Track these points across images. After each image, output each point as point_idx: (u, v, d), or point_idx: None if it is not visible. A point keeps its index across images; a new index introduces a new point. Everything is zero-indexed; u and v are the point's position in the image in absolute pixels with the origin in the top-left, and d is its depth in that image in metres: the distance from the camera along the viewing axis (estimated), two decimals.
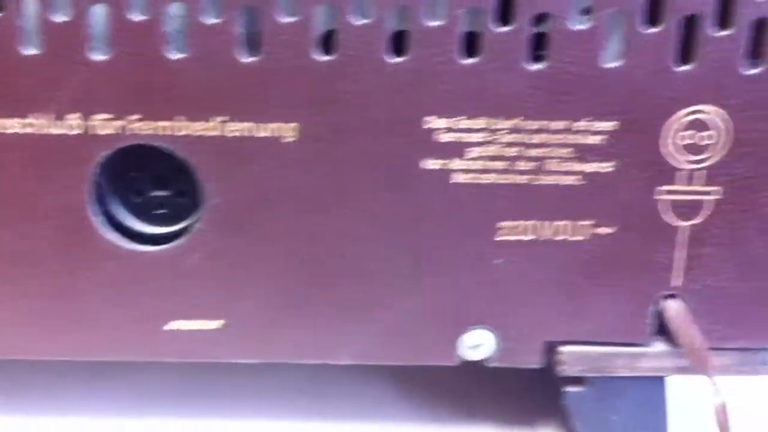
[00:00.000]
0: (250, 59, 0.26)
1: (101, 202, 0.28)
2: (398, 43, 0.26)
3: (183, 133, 0.27)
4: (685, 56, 0.26)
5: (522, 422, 0.34)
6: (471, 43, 0.26)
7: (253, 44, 0.26)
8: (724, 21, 0.26)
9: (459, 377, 0.34)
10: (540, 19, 0.26)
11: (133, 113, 0.27)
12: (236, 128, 0.27)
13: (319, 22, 0.26)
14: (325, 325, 0.29)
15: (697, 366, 0.28)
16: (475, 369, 0.30)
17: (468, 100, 0.27)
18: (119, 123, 0.27)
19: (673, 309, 0.28)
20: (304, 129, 0.27)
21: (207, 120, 0.27)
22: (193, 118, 0.27)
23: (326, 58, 0.26)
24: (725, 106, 0.26)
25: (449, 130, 0.27)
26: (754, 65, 0.26)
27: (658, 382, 0.31)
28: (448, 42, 0.26)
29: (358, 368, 0.31)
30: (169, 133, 0.27)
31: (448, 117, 0.27)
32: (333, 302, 0.29)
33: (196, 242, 0.28)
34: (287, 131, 0.27)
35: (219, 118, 0.27)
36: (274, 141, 0.27)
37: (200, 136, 0.27)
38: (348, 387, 0.36)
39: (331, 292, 0.29)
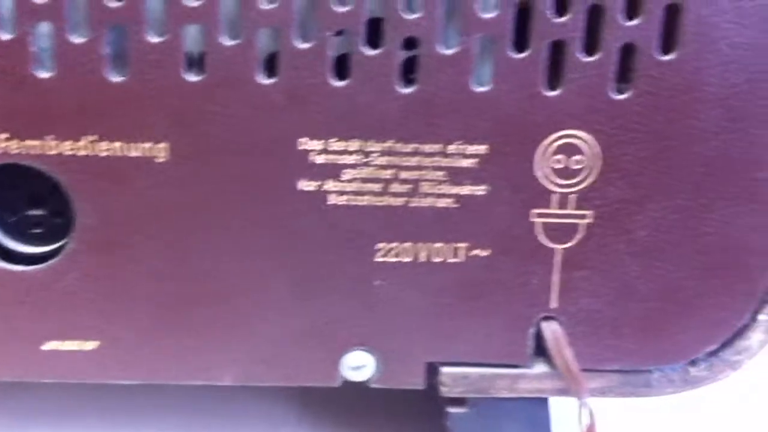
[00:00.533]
0: (119, 78, 0.26)
1: None
2: (272, 64, 0.26)
3: (53, 152, 0.27)
4: (554, 81, 0.26)
5: None
6: (344, 65, 0.26)
7: (124, 63, 0.26)
8: (592, 46, 0.26)
9: (350, 395, 0.33)
10: (412, 42, 0.26)
11: (1, 132, 0.26)
12: (107, 148, 0.27)
13: (189, 43, 0.26)
14: (203, 346, 0.29)
15: (570, 388, 0.28)
16: (366, 389, 0.30)
17: (341, 122, 0.27)
18: None
19: (550, 331, 0.28)
20: (175, 149, 0.27)
21: (77, 139, 0.26)
22: (62, 138, 0.26)
23: (196, 78, 0.26)
24: (595, 131, 0.26)
25: (323, 151, 0.27)
26: (623, 90, 0.26)
27: (541, 402, 0.31)
28: (319, 64, 0.26)
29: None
30: (38, 152, 0.27)
31: (321, 139, 0.27)
32: (210, 323, 0.29)
33: (70, 262, 0.28)
34: (159, 151, 0.27)
35: (89, 138, 0.26)
36: (145, 161, 0.27)
37: (71, 156, 0.27)
38: (240, 405, 0.35)
39: (207, 313, 0.28)
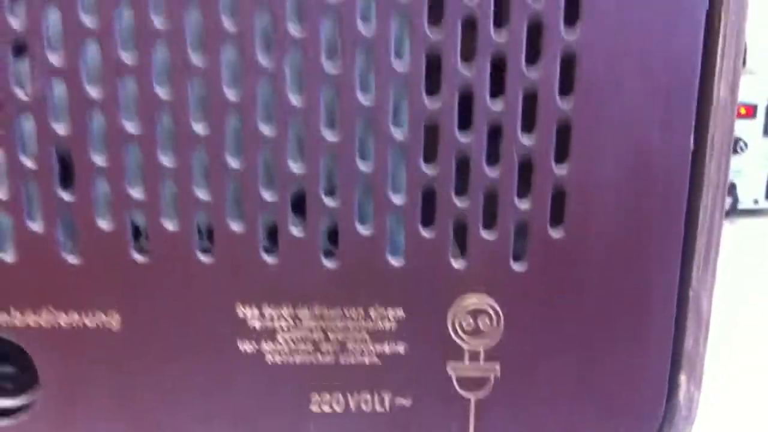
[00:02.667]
0: (75, 260, 0.29)
1: None
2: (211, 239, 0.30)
3: (17, 323, 0.30)
4: (460, 254, 0.30)
5: None
6: (275, 240, 0.30)
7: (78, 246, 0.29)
8: (490, 223, 0.29)
9: None
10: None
11: None
12: (65, 319, 0.30)
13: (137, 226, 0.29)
14: None
15: None
16: None
17: (273, 292, 0.30)
18: None
19: None
20: (127, 319, 0.30)
21: (38, 312, 0.30)
22: (25, 311, 0.30)
23: (142, 259, 0.29)
24: (498, 297, 0.30)
25: (259, 317, 0.30)
26: (521, 262, 0.30)
27: None
28: (252, 243, 0.29)
29: None
30: (4, 323, 0.30)
31: (257, 307, 0.30)
32: None
33: (36, 416, 0.31)
34: (111, 321, 0.30)
35: (49, 311, 0.30)
36: (100, 330, 0.30)
37: (33, 326, 0.30)
38: None
39: None
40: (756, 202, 0.75)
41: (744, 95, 0.70)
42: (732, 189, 0.73)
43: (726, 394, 0.45)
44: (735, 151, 0.72)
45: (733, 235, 0.72)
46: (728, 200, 0.74)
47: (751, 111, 0.72)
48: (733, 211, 0.74)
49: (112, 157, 0.28)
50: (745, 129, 0.73)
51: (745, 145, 0.73)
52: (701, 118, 0.28)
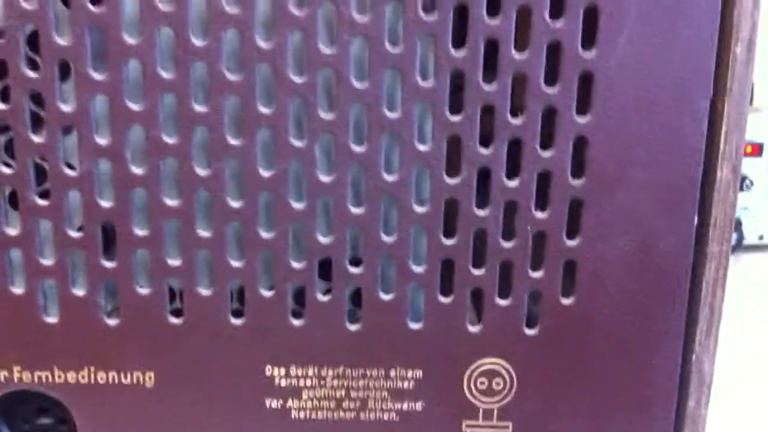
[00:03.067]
0: (114, 322, 0.31)
1: None
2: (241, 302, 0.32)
3: (59, 380, 0.32)
4: (477, 318, 0.31)
5: None
6: (302, 304, 0.32)
7: (117, 308, 0.31)
8: (505, 291, 0.31)
9: None
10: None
11: (15, 365, 0.32)
12: (103, 376, 0.32)
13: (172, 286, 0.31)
14: None
15: None
16: None
17: (299, 353, 0.32)
18: (4, 373, 0.32)
19: None
20: (161, 377, 0.32)
21: (79, 370, 0.32)
22: (66, 369, 0.32)
23: (178, 321, 0.31)
24: (511, 359, 0.32)
25: (286, 376, 0.32)
26: (533, 326, 0.31)
27: None
28: (280, 307, 0.31)
29: None
30: (47, 381, 0.32)
31: (283, 366, 0.32)
32: None
33: None
34: (146, 379, 0.32)
35: (89, 369, 0.32)
36: (135, 386, 0.32)
37: (74, 383, 0.32)
38: None
39: None
40: (761, 238, 0.77)
41: (750, 134, 0.72)
42: (738, 225, 0.75)
43: (728, 425, 0.47)
44: (741, 189, 0.74)
45: (740, 270, 0.74)
46: (734, 236, 0.76)
47: (757, 149, 0.74)
48: (739, 247, 0.75)
49: (153, 229, 0.30)
50: (751, 167, 0.75)
51: (751, 182, 0.74)
52: (704, 197, 0.30)
